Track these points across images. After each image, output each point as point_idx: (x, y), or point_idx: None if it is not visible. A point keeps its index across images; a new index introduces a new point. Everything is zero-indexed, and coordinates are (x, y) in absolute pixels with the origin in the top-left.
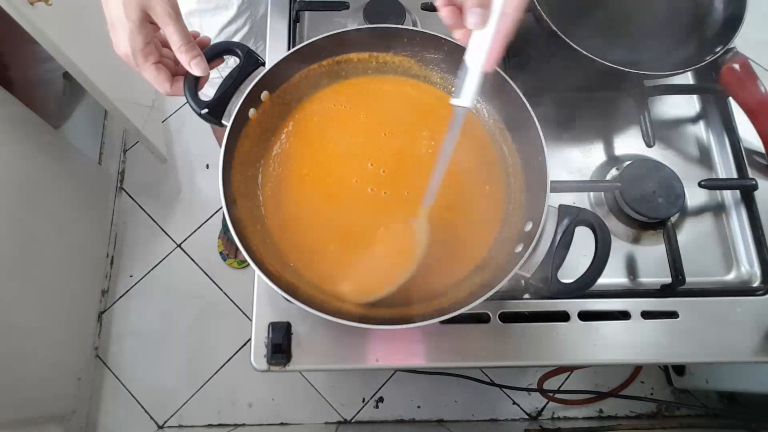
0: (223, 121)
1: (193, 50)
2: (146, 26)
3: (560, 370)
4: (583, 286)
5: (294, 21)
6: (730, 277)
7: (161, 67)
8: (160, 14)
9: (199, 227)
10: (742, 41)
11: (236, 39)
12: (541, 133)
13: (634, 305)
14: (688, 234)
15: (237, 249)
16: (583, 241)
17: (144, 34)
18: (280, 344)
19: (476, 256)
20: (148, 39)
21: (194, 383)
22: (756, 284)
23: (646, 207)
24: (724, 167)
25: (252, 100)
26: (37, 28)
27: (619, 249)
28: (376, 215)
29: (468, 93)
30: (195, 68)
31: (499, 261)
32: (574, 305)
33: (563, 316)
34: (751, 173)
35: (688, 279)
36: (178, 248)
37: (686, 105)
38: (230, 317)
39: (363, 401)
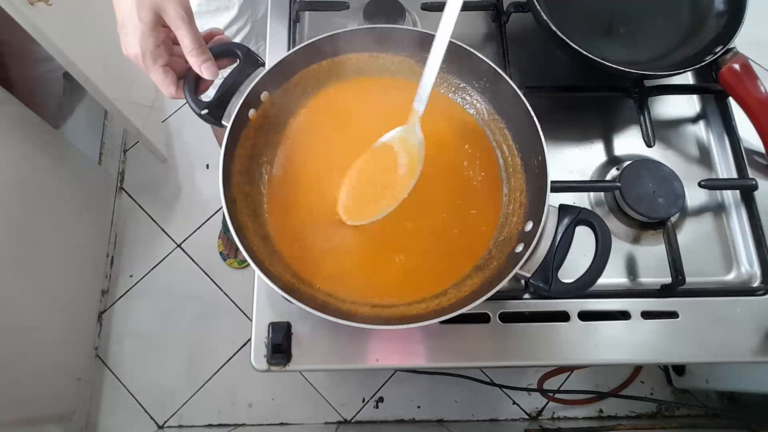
0: (223, 122)
1: (203, 54)
2: (158, 29)
3: (560, 370)
4: (583, 286)
5: (294, 21)
6: (730, 277)
7: (169, 70)
8: (173, 17)
9: (199, 227)
10: (742, 41)
11: (237, 39)
12: (541, 133)
13: (634, 305)
14: (688, 234)
15: (237, 249)
16: (583, 241)
17: (155, 36)
18: (280, 344)
19: (475, 256)
20: (158, 41)
21: (194, 383)
22: (756, 284)
23: (646, 207)
24: (724, 167)
25: (252, 100)
26: (37, 28)
27: (619, 249)
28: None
29: None
30: (205, 72)
31: (499, 261)
32: (574, 305)
33: (563, 316)
34: (751, 173)
35: (688, 279)
36: (178, 248)
37: (686, 105)
38: (230, 317)
39: (363, 401)
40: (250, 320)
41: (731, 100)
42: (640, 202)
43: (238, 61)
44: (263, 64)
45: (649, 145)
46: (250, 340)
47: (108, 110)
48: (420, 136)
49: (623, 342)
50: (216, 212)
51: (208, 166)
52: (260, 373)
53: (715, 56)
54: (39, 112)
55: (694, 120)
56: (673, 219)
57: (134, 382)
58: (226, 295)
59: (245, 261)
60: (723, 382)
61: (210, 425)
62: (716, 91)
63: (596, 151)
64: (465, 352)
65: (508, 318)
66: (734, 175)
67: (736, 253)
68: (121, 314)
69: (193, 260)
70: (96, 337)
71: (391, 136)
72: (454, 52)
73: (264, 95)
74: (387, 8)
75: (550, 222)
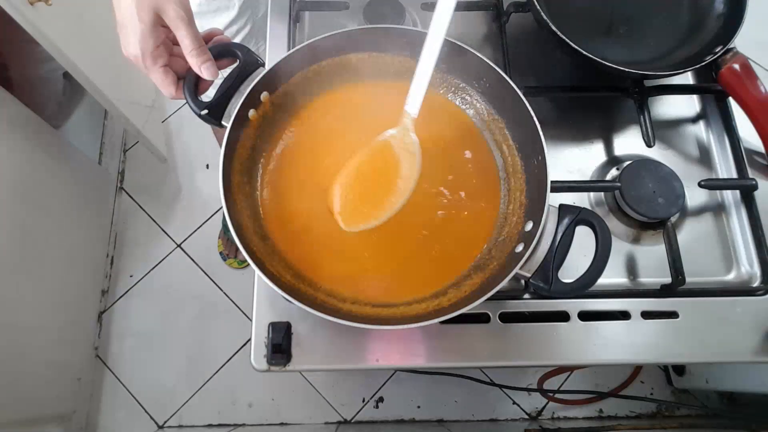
0: (223, 122)
1: (203, 54)
2: (158, 29)
3: (560, 370)
4: (584, 286)
5: (294, 21)
6: (730, 277)
7: (168, 71)
8: (173, 18)
9: (199, 227)
10: (742, 41)
11: (238, 40)
12: (541, 133)
13: (634, 305)
14: (688, 234)
15: (237, 249)
16: (583, 241)
17: (155, 37)
18: (280, 344)
19: (472, 255)
20: (158, 42)
21: (194, 383)
22: (756, 284)
23: (646, 207)
24: (724, 167)
25: (252, 100)
26: (37, 28)
27: (619, 249)
28: None
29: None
30: (205, 72)
31: (499, 261)
32: (574, 305)
33: (563, 316)
34: (751, 173)
35: (688, 279)
36: (178, 248)
37: (686, 105)
38: (230, 317)
39: (363, 401)
40: (250, 320)
41: (731, 100)
42: (640, 202)
43: (238, 61)
44: (263, 64)
45: (649, 145)
46: (250, 340)
47: (108, 110)
48: (416, 140)
49: (623, 342)
50: (216, 212)
51: (208, 166)
52: (260, 373)
53: (715, 56)
54: (39, 112)
55: (694, 120)
56: (673, 219)
57: (134, 382)
58: (226, 295)
59: (245, 261)
60: (723, 382)
61: (210, 425)
62: (716, 91)
63: (596, 151)
64: (465, 352)
65: (508, 318)
66: (734, 175)
67: (736, 253)
68: (121, 314)
69: (193, 260)
70: (96, 337)
71: (389, 136)
72: (454, 52)
73: (264, 95)
74: (387, 8)
75: (550, 222)
